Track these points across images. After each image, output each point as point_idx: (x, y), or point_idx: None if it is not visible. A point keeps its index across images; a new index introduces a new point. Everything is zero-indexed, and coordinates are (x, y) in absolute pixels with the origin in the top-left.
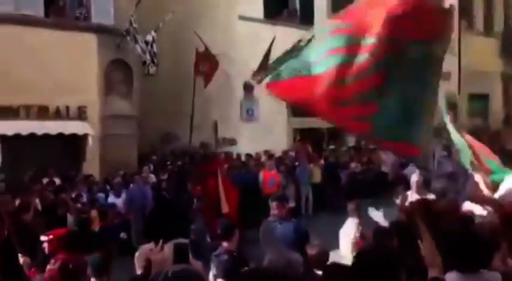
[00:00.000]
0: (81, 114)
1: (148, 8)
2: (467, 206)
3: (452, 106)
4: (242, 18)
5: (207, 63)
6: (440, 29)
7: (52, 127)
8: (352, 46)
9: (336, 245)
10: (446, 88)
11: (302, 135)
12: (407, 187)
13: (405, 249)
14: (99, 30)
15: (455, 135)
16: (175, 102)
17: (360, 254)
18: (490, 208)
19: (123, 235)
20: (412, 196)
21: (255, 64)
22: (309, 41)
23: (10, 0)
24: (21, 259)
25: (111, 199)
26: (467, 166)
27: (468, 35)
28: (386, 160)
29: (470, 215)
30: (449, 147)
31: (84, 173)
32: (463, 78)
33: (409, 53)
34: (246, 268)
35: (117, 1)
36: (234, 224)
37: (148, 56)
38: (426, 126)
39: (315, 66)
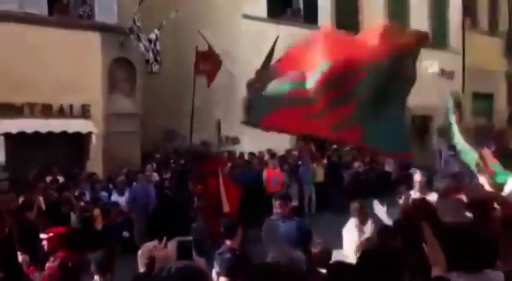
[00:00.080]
0: (84, 112)
1: (151, 7)
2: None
3: (456, 105)
4: (246, 17)
5: (209, 63)
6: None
7: (56, 125)
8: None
9: (339, 244)
10: (450, 87)
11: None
12: (411, 186)
13: (409, 248)
14: (103, 28)
15: (458, 136)
16: (178, 100)
17: (364, 253)
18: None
19: (125, 233)
20: (415, 195)
21: (258, 63)
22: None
23: None
24: (20, 257)
25: (115, 197)
26: (472, 166)
27: (472, 34)
28: (390, 160)
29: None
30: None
31: (87, 171)
32: (467, 77)
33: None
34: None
35: None
36: (237, 223)
37: (151, 55)
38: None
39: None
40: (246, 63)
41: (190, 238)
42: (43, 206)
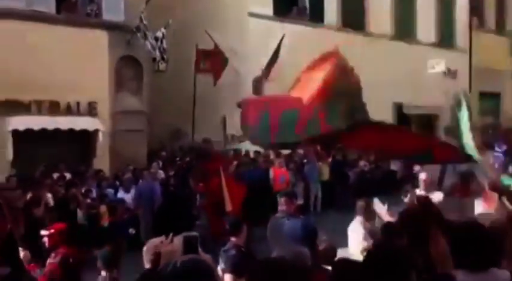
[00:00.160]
0: (91, 110)
1: (158, 5)
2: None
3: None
4: (252, 15)
5: (215, 61)
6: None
7: (63, 123)
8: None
9: (344, 243)
10: (456, 86)
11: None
12: (416, 185)
13: (414, 246)
14: (110, 26)
15: (467, 135)
16: (185, 98)
17: (370, 251)
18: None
19: (132, 230)
20: (420, 194)
21: (264, 61)
22: None
23: None
24: (21, 253)
25: (121, 194)
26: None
27: (479, 33)
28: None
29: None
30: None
31: (94, 169)
32: (474, 77)
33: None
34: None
35: None
36: (242, 220)
37: (158, 53)
38: None
39: None
40: (252, 61)
41: (196, 233)
42: (51, 203)
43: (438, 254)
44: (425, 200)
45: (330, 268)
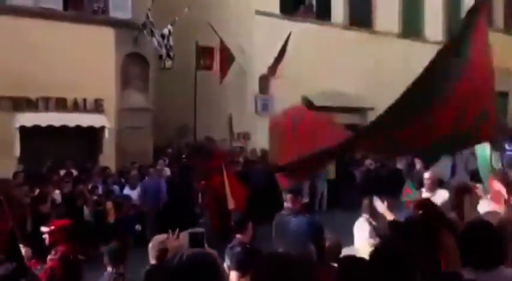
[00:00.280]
0: (98, 107)
1: (165, 2)
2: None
3: None
4: (258, 13)
5: (221, 58)
6: None
7: (70, 119)
8: None
9: (350, 241)
10: None
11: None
12: (422, 184)
13: (420, 245)
14: (117, 24)
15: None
16: (191, 96)
17: (377, 249)
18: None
19: (138, 226)
20: (425, 193)
21: (270, 59)
22: None
23: None
24: (23, 250)
25: (127, 191)
26: (486, 169)
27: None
28: (401, 157)
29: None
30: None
31: (100, 166)
32: None
33: None
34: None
35: None
36: (247, 217)
37: (164, 50)
38: None
39: None
40: (258, 59)
41: (202, 229)
42: (59, 199)
43: (446, 253)
44: (425, 203)
45: (335, 265)
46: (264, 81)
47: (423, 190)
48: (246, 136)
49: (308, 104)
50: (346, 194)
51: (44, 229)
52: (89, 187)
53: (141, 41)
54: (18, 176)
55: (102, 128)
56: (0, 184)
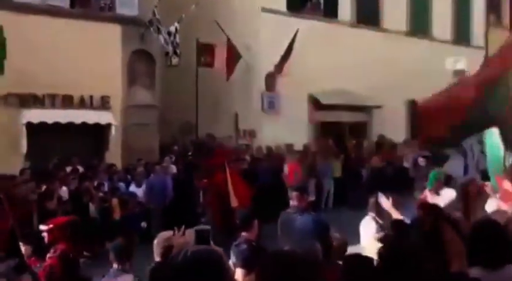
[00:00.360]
0: (104, 103)
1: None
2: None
3: None
4: (265, 10)
5: (228, 56)
6: None
7: (76, 116)
8: None
9: (356, 240)
10: None
11: (324, 129)
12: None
13: (426, 244)
14: (123, 20)
15: (494, 134)
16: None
17: (383, 248)
18: None
19: (143, 224)
20: (431, 192)
21: (277, 57)
22: None
23: None
24: (22, 248)
25: (132, 188)
26: (497, 169)
27: (496, 30)
28: (408, 156)
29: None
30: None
31: (106, 163)
32: None
33: None
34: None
35: None
36: (253, 215)
37: (170, 47)
38: None
39: None
40: (264, 56)
41: (208, 227)
42: (66, 196)
43: (453, 252)
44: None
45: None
46: (271, 79)
47: (427, 189)
48: (251, 134)
49: (314, 101)
50: (353, 192)
51: (42, 227)
52: (95, 184)
53: (148, 38)
54: (24, 172)
55: (109, 125)
56: (1, 182)
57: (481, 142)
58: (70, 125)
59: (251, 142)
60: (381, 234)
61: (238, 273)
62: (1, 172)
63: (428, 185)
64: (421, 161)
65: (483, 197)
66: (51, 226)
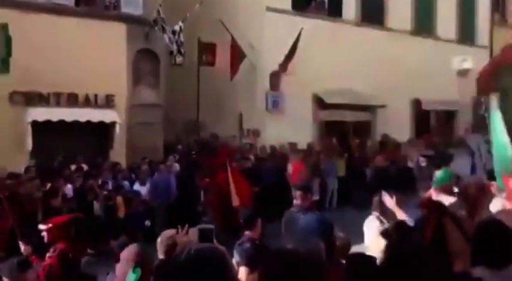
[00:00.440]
0: (109, 102)
1: None
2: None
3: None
4: (270, 9)
5: (232, 55)
6: None
7: (81, 115)
8: None
9: (360, 239)
10: (473, 83)
11: (328, 128)
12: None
13: (430, 243)
14: (128, 19)
15: (501, 134)
16: (200, 92)
17: (388, 247)
18: None
19: (147, 222)
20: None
21: (281, 56)
22: None
23: None
24: (22, 247)
25: (137, 186)
26: (504, 168)
27: (501, 29)
28: (412, 156)
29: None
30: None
31: (111, 161)
32: None
33: None
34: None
35: None
36: (256, 214)
37: (175, 46)
38: None
39: None
40: (269, 55)
41: (211, 226)
42: (70, 194)
43: (457, 252)
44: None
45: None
46: (275, 78)
47: (433, 188)
48: (255, 133)
49: (318, 101)
50: (357, 191)
51: (42, 226)
52: (99, 182)
53: (152, 37)
54: (30, 170)
55: (113, 123)
56: (2, 181)
57: (488, 142)
58: (75, 124)
59: (255, 141)
60: (384, 227)
61: (242, 271)
62: (6, 170)
63: (435, 183)
64: (422, 160)
65: (488, 197)
66: (50, 225)
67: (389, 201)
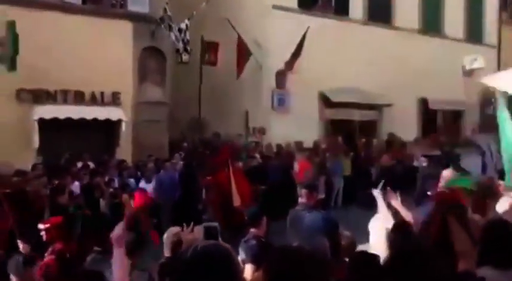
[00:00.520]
0: (115, 100)
1: None
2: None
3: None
4: (276, 7)
5: (238, 53)
6: None
7: (87, 112)
8: None
9: (365, 238)
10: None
11: (334, 127)
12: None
13: (434, 242)
14: (135, 17)
15: (510, 132)
16: (206, 90)
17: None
18: None
19: (153, 220)
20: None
21: (287, 54)
22: None
23: None
24: (21, 246)
25: (142, 184)
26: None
27: (509, 27)
28: (418, 155)
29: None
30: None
31: (117, 158)
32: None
33: None
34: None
35: None
36: (262, 212)
37: (181, 44)
38: None
39: None
40: (275, 54)
41: (216, 224)
42: (77, 191)
43: (461, 251)
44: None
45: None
46: (281, 76)
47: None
48: (261, 131)
49: (324, 99)
50: (362, 190)
51: (40, 226)
52: (106, 180)
53: (159, 35)
54: (37, 167)
55: (119, 121)
56: (8, 179)
57: (498, 141)
58: (81, 121)
59: (261, 140)
60: (393, 210)
61: (248, 269)
62: (13, 167)
63: (447, 184)
64: (423, 160)
65: (495, 196)
66: (47, 225)
67: (394, 201)
